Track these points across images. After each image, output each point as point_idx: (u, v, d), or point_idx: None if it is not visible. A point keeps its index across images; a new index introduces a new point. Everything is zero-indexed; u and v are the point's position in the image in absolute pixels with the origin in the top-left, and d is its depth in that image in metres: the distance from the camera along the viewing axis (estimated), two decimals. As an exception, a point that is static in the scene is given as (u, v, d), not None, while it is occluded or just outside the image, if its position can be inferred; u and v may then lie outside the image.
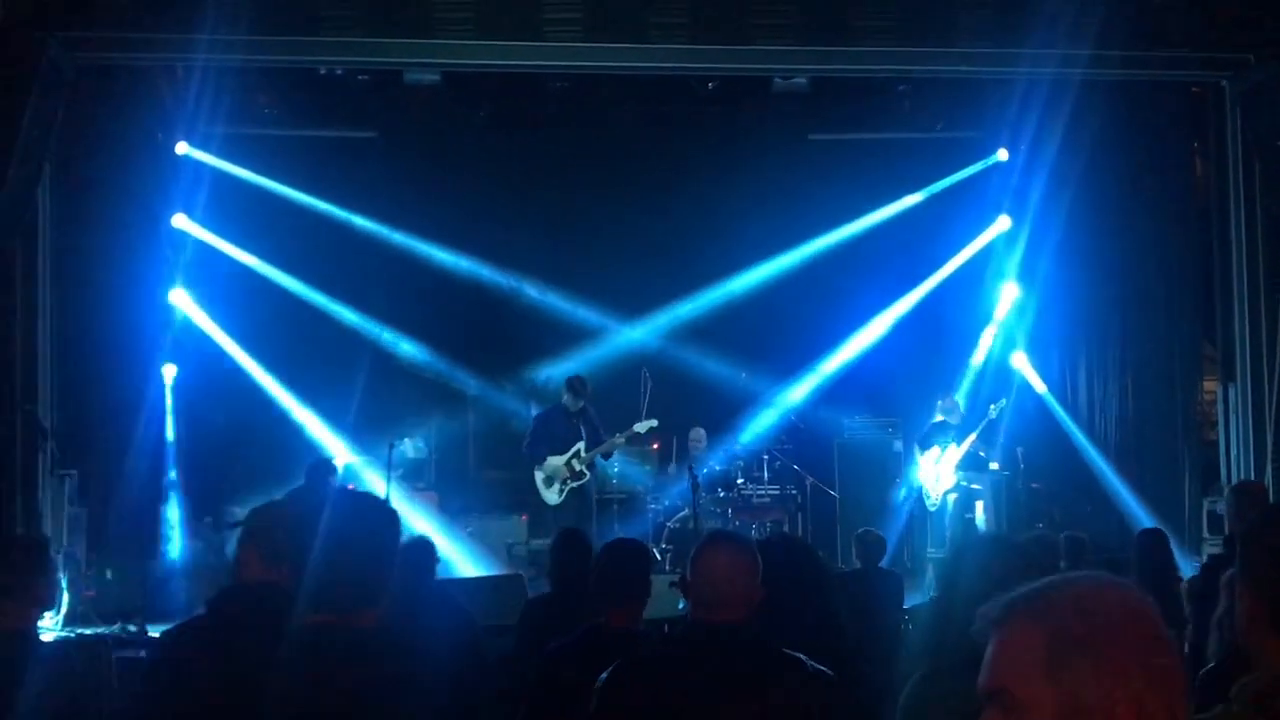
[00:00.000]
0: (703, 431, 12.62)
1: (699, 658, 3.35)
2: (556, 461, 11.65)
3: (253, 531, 3.92)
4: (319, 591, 2.82)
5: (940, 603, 3.28)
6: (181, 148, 12.15)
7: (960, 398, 12.86)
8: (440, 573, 8.06)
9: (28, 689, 3.93)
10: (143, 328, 11.70)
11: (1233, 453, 11.49)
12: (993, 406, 12.10)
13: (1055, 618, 1.63)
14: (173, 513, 11.57)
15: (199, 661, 3.64)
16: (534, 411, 12.90)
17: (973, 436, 12.06)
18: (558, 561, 6.07)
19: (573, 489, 11.65)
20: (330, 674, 2.73)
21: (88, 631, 9.37)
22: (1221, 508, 10.52)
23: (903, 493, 12.73)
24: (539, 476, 11.74)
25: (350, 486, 12.31)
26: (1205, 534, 11.69)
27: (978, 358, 13.50)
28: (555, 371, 13.43)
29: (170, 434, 11.89)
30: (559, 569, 6.04)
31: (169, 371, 11.96)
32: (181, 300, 12.25)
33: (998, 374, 13.24)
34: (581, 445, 11.63)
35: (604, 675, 3.41)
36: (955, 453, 12.12)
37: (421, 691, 2.94)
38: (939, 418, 12.46)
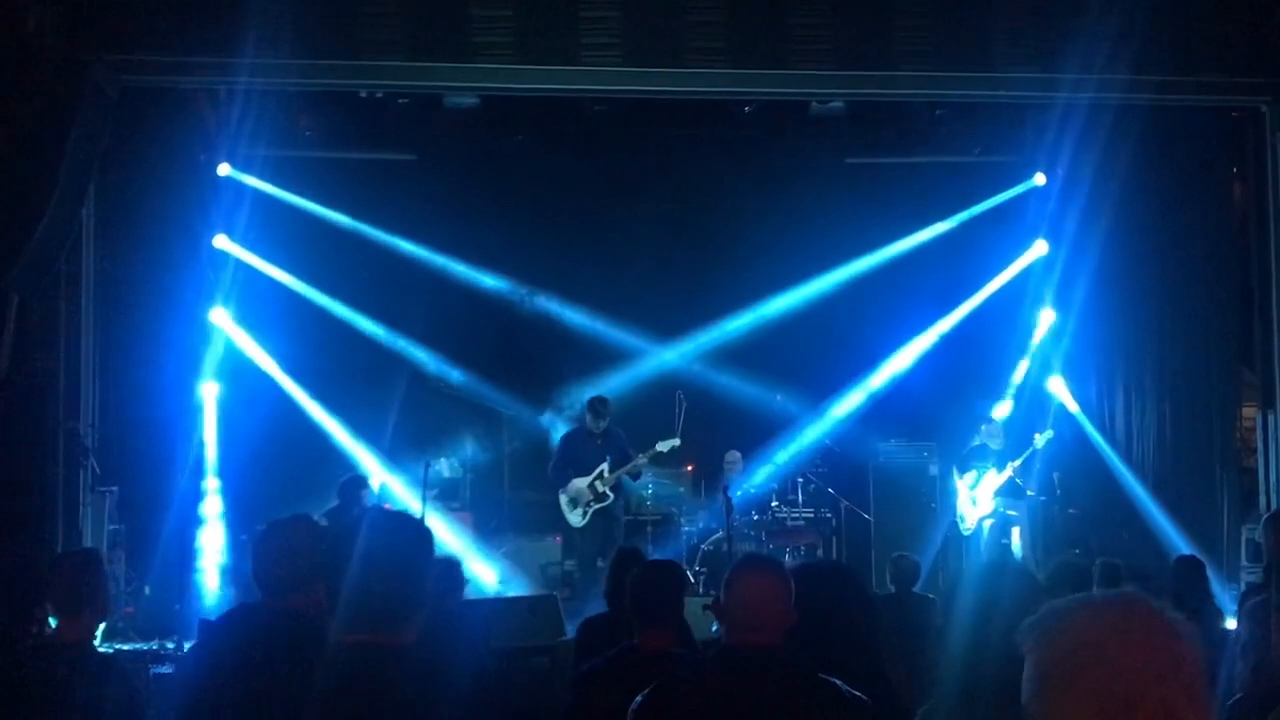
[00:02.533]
0: (738, 454, 12.58)
1: (734, 682, 3.35)
2: (580, 484, 11.54)
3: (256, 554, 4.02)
4: (353, 610, 2.85)
5: (960, 635, 3.26)
6: (223, 169, 12.28)
7: (999, 416, 12.80)
8: (472, 593, 8.11)
9: (90, 700, 4.02)
10: (183, 346, 11.80)
11: (1272, 480, 11.36)
12: (1039, 436, 12.02)
13: (1042, 645, 1.76)
14: (212, 530, 11.64)
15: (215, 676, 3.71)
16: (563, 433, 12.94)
17: (1015, 464, 12.00)
18: (616, 581, 5.98)
19: (597, 511, 11.53)
20: (368, 693, 2.75)
21: (126, 647, 9.46)
22: (1261, 535, 10.43)
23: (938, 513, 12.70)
24: (563, 499, 11.63)
25: (386, 505, 12.40)
26: (1244, 561, 11.57)
27: (1014, 381, 13.44)
28: (590, 393, 13.47)
29: (212, 452, 11.99)
30: (617, 589, 5.94)
31: (211, 389, 12.07)
32: (222, 319, 12.37)
33: (1034, 399, 13.18)
34: (605, 466, 11.53)
35: (638, 699, 3.41)
36: (995, 479, 12.05)
37: (449, 713, 2.96)
38: (979, 441, 12.40)
